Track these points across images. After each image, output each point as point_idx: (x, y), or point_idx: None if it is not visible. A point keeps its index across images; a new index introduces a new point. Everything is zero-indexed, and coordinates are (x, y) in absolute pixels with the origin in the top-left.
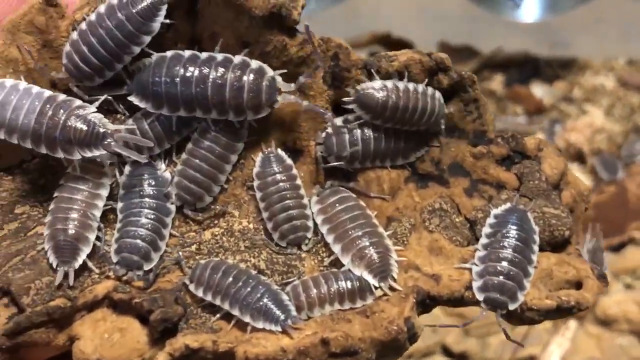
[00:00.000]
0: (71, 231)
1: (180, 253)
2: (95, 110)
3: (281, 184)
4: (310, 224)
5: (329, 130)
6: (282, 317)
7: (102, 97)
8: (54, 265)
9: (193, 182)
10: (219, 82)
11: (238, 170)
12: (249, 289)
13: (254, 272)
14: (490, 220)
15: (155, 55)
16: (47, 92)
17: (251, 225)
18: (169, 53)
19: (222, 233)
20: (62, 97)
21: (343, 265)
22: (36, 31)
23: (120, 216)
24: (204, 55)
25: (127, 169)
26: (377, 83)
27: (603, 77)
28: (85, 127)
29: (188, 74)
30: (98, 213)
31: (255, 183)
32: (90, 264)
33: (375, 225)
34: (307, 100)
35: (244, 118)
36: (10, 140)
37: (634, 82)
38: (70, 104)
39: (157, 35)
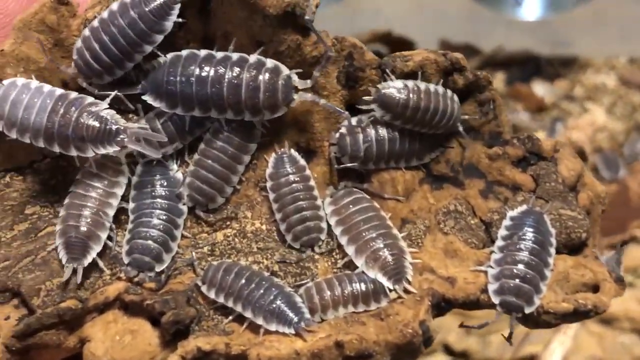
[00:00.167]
0: (83, 228)
1: (194, 254)
2: (107, 106)
3: (294, 185)
4: (324, 225)
5: (343, 130)
6: (296, 319)
7: (113, 94)
8: (64, 262)
9: (205, 182)
10: (235, 82)
11: (251, 171)
12: (261, 291)
13: (266, 273)
14: (507, 222)
15: (170, 55)
16: (59, 90)
17: (264, 227)
18: (184, 52)
19: (234, 234)
20: (73, 94)
21: (357, 267)
22: (47, 30)
23: (131, 217)
24: (219, 54)
25: (138, 169)
26: (399, 83)
27: (604, 76)
28: (97, 124)
29: (204, 74)
30: (111, 212)
31: (268, 184)
32: (101, 263)
33: (389, 227)
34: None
35: (260, 118)
36: (22, 139)
37: (635, 81)
38: (82, 101)
39: (170, 34)
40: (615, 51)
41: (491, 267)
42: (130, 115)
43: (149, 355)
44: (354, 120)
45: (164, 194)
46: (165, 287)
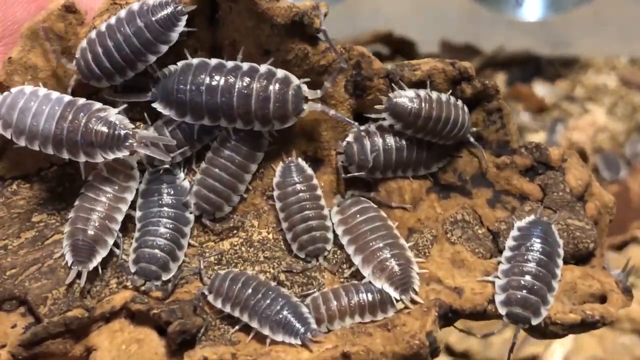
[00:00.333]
0: (91, 232)
1: (201, 263)
2: (116, 112)
3: (301, 194)
4: (330, 235)
5: (350, 139)
6: (302, 330)
7: (122, 101)
8: (69, 264)
9: (212, 191)
10: (245, 92)
11: (258, 180)
12: (268, 301)
13: (273, 283)
14: (514, 232)
15: (181, 63)
16: (67, 97)
17: (270, 236)
18: (195, 61)
19: (241, 243)
20: (82, 101)
21: (364, 277)
22: (55, 37)
23: (138, 225)
24: (229, 64)
25: (145, 177)
26: (410, 92)
27: (605, 76)
28: (106, 129)
29: (214, 83)
30: (120, 217)
31: (275, 193)
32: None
33: (396, 237)
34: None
35: (270, 128)
36: (31, 147)
37: (636, 81)
38: (90, 107)
39: (178, 43)
40: (616, 51)
41: (498, 277)
42: (138, 123)
43: None
44: (361, 130)
45: (170, 202)
46: (172, 296)
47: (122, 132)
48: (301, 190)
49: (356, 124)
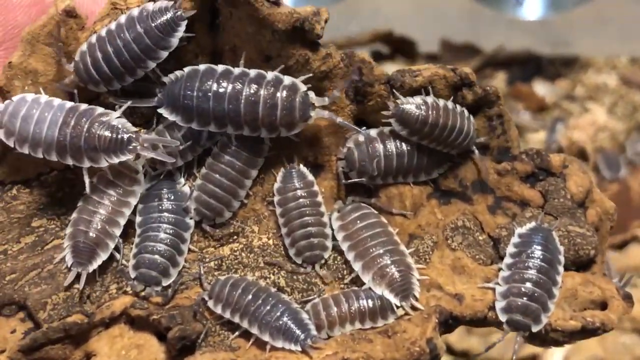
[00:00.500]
0: (92, 234)
1: (201, 268)
2: (118, 116)
3: (301, 200)
4: (328, 243)
5: (351, 145)
6: (302, 336)
7: (126, 105)
8: (69, 265)
9: (212, 197)
10: (253, 99)
11: (258, 185)
12: (268, 307)
13: (273, 289)
14: (515, 239)
15: (188, 68)
16: (69, 103)
17: (271, 241)
18: (201, 67)
19: (241, 249)
20: (83, 106)
21: (364, 283)
22: (56, 42)
23: (138, 231)
24: (237, 70)
25: (146, 182)
26: (417, 99)
27: (605, 75)
28: (109, 134)
29: (221, 90)
30: (123, 221)
31: (276, 198)
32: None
33: (397, 243)
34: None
35: (276, 135)
36: (35, 154)
37: (636, 80)
38: (92, 112)
39: (179, 48)
40: (616, 51)
41: (499, 284)
42: (138, 129)
43: None
44: (361, 136)
45: (171, 207)
46: (172, 302)
47: (125, 136)
48: (302, 196)
49: (364, 129)
